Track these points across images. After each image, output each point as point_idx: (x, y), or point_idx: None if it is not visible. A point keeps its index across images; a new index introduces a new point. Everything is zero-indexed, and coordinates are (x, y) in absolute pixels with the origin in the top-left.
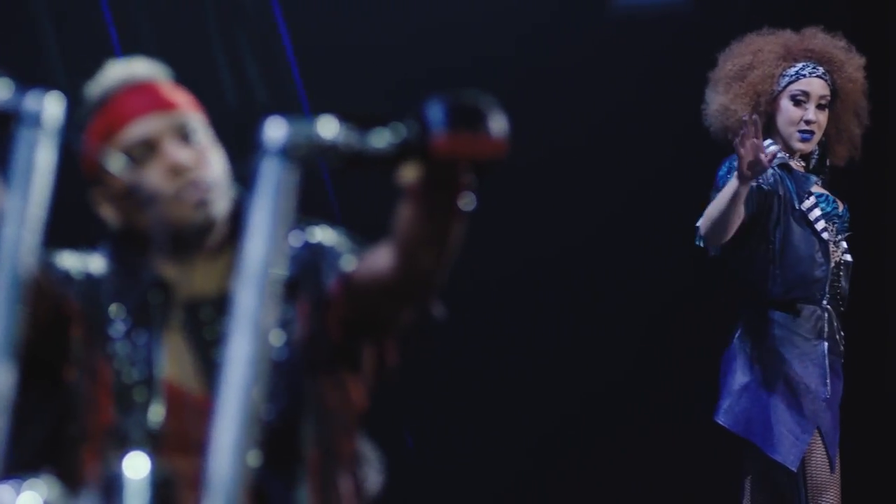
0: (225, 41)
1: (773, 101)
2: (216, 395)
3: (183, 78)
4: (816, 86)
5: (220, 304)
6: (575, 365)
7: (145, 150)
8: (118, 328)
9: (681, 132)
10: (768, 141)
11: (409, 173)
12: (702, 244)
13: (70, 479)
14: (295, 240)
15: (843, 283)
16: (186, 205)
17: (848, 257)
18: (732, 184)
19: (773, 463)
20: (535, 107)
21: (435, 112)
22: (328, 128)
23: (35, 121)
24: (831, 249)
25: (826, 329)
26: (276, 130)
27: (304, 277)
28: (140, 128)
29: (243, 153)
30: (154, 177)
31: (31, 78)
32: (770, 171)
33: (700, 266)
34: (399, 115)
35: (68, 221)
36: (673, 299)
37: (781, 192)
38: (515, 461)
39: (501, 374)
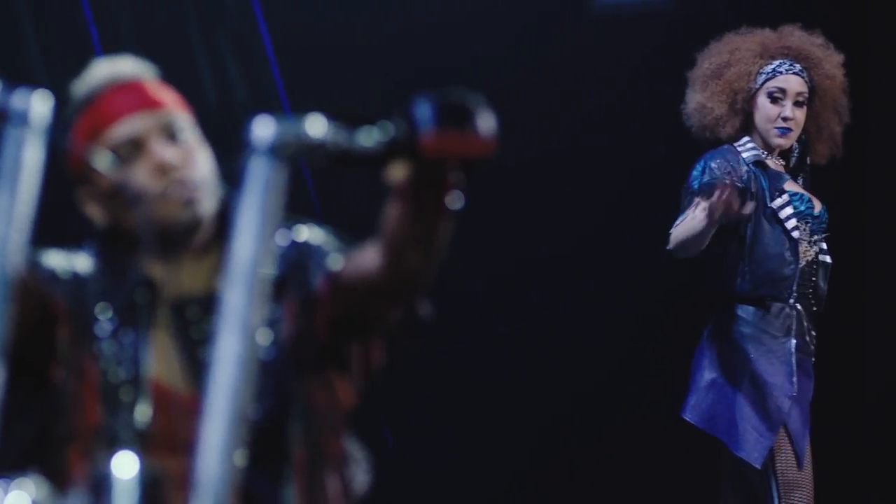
0: (206, 40)
1: (751, 98)
2: (204, 394)
3: (163, 77)
4: (793, 83)
5: (207, 304)
6: (562, 364)
7: (132, 149)
8: (105, 327)
9: (666, 131)
10: (746, 138)
11: (397, 172)
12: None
13: (57, 479)
14: (282, 238)
15: (822, 283)
16: (173, 204)
17: (827, 258)
18: (701, 219)
19: (744, 461)
20: (517, 107)
21: (423, 111)
22: (316, 126)
23: (22, 119)
24: (802, 248)
25: (794, 327)
26: (264, 129)
27: (291, 276)
28: (127, 127)
29: (224, 152)
30: (141, 176)
31: (12, 77)
32: (744, 167)
33: (689, 264)
34: (387, 113)
35: (54, 220)
36: (664, 297)
37: (754, 190)
38: (498, 461)
39: (483, 373)
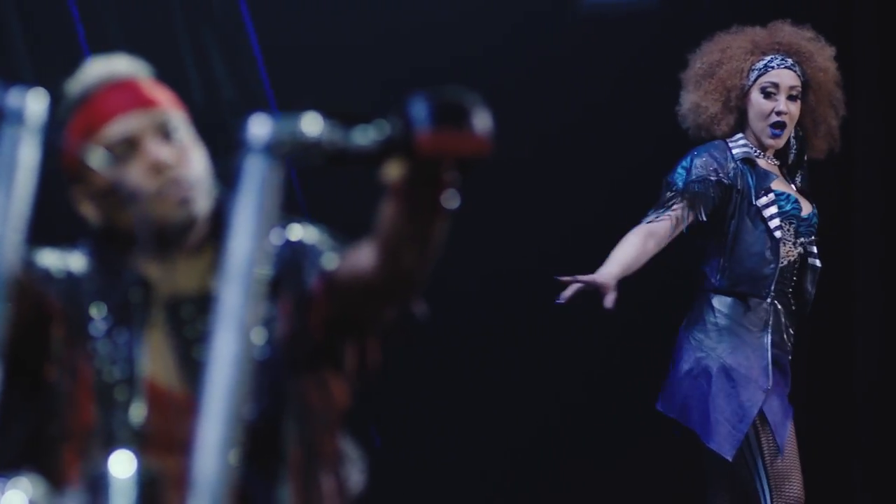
0: (192, 39)
1: (744, 95)
2: (199, 393)
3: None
4: (786, 77)
5: (202, 303)
6: (552, 364)
7: (126, 148)
8: (99, 327)
9: (654, 130)
10: (739, 135)
11: (392, 171)
12: None
13: (52, 479)
14: (276, 238)
15: (809, 286)
16: (168, 203)
17: (816, 262)
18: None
19: (731, 460)
20: (504, 107)
21: (419, 109)
22: (312, 125)
23: (18, 118)
24: (785, 249)
25: (771, 322)
26: (259, 128)
27: (286, 276)
28: (121, 125)
29: (210, 151)
30: (135, 175)
31: None
32: (732, 164)
33: (682, 264)
34: (382, 112)
35: (48, 219)
36: (656, 296)
37: (740, 187)
38: (485, 461)
39: (471, 372)
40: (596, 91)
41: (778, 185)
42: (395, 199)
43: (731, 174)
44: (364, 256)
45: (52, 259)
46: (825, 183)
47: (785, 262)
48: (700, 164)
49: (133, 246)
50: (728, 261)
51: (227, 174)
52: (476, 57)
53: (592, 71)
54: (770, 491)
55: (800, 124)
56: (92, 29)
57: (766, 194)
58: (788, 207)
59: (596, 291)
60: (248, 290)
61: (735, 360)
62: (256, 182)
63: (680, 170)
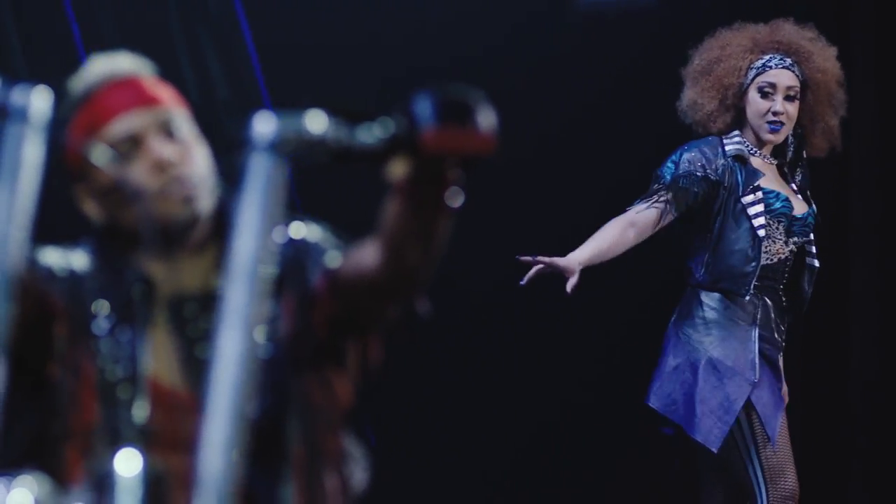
0: (187, 39)
1: (741, 94)
2: (203, 392)
3: None
4: (784, 77)
5: (205, 301)
6: (551, 362)
7: (130, 146)
8: (102, 325)
9: (653, 127)
10: (735, 132)
11: (396, 168)
12: None
13: (55, 478)
14: (279, 236)
15: (805, 285)
16: (172, 201)
17: (815, 262)
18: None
19: (723, 455)
20: (501, 107)
21: (423, 107)
22: (317, 122)
23: (22, 116)
24: (775, 247)
25: (759, 317)
26: (264, 125)
27: (289, 274)
28: (124, 123)
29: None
30: (139, 173)
31: None
32: (721, 161)
33: (678, 260)
34: (386, 109)
35: (51, 217)
36: (656, 295)
37: (727, 184)
38: (481, 460)
39: (471, 372)
40: (595, 90)
41: (768, 183)
42: (399, 196)
43: (720, 170)
44: (367, 254)
45: (54, 257)
46: (822, 181)
47: (774, 260)
48: (688, 158)
49: (136, 244)
50: (712, 257)
51: (230, 172)
52: (474, 57)
53: (591, 70)
54: (765, 483)
55: (798, 123)
56: (87, 28)
57: (752, 192)
58: (777, 206)
59: (559, 275)
60: (253, 288)
61: (722, 352)
62: (261, 180)
63: (669, 163)
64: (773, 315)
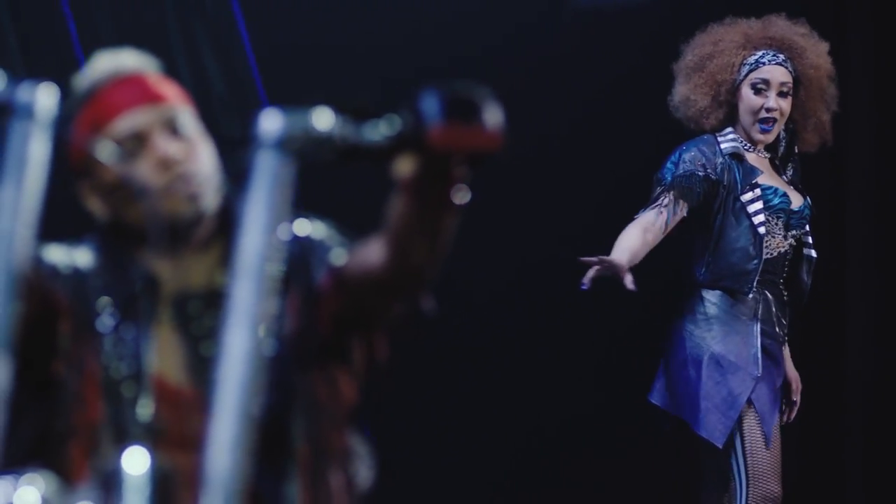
0: (184, 38)
1: (734, 90)
2: (208, 390)
3: None
4: (777, 73)
5: (209, 299)
6: (552, 360)
7: (134, 144)
8: (106, 323)
9: (651, 125)
10: (728, 129)
11: (403, 166)
12: None
13: (60, 476)
14: (283, 233)
15: (804, 276)
16: (177, 198)
17: (812, 253)
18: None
19: (716, 448)
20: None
21: (430, 104)
22: (324, 120)
23: (28, 112)
24: (775, 242)
25: (761, 311)
26: (271, 122)
27: (294, 272)
28: (129, 121)
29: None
30: (143, 170)
31: None
32: (720, 160)
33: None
34: (392, 107)
35: (54, 214)
36: (652, 298)
37: (726, 182)
38: (482, 460)
39: (465, 370)
40: (594, 89)
41: (765, 179)
42: (406, 194)
43: (719, 169)
44: (373, 252)
45: (58, 254)
46: (818, 176)
47: (774, 254)
48: (688, 158)
49: (141, 241)
50: (712, 255)
51: (235, 170)
52: (470, 57)
53: (590, 69)
54: (747, 481)
55: (790, 118)
56: (84, 27)
57: (751, 189)
58: (776, 201)
59: (613, 277)
60: (260, 286)
61: (725, 347)
62: (268, 178)
63: (669, 165)
64: (773, 309)
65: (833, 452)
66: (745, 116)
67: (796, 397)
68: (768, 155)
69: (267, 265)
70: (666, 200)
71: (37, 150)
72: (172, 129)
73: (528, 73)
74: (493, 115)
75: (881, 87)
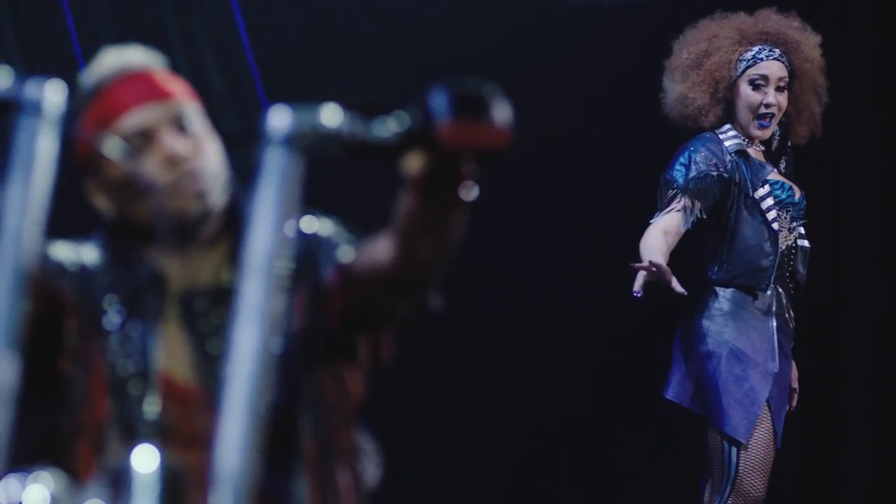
0: (183, 36)
1: (732, 86)
2: (216, 387)
3: None
4: (774, 68)
5: (216, 296)
6: (553, 360)
7: (141, 140)
8: (113, 320)
9: (648, 123)
10: (727, 126)
11: (411, 163)
12: None
13: (67, 473)
14: (290, 230)
15: (800, 267)
16: (183, 196)
17: (805, 243)
18: (647, 261)
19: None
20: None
21: (439, 100)
22: (332, 116)
23: (36, 109)
24: (782, 236)
25: (775, 307)
26: (280, 119)
27: (301, 269)
28: (136, 118)
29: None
30: (150, 167)
31: None
32: (728, 157)
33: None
34: (402, 102)
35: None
36: (660, 297)
37: (737, 180)
38: (483, 459)
39: (462, 371)
40: (593, 88)
41: (771, 174)
42: (414, 190)
43: (729, 167)
44: (380, 249)
45: (65, 252)
46: (818, 175)
47: (783, 248)
48: (700, 159)
49: (147, 238)
50: (727, 254)
51: (243, 167)
52: (468, 56)
53: (589, 68)
54: (734, 478)
55: (784, 112)
56: (83, 25)
57: (762, 185)
58: (784, 196)
59: (659, 282)
60: (269, 284)
61: (743, 343)
62: (276, 174)
63: (678, 167)
64: (784, 302)
65: (833, 452)
66: (742, 113)
67: (795, 384)
68: (762, 148)
69: (275, 262)
70: (682, 204)
71: (44, 147)
72: (179, 125)
73: (528, 72)
74: (501, 112)
75: (881, 86)
